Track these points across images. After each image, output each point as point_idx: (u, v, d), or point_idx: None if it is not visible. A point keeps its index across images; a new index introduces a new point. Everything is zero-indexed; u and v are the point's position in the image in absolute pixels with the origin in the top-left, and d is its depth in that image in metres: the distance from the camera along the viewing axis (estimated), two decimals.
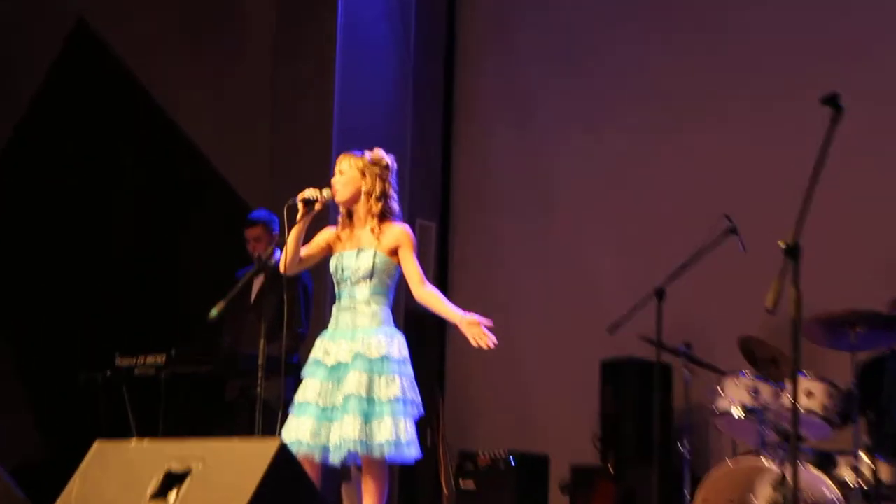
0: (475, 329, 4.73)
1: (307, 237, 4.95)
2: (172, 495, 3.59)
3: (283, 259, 4.93)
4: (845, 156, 6.29)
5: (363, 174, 4.95)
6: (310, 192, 4.90)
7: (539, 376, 7.55)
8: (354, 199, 4.94)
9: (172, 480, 3.61)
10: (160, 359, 5.90)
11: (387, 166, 5.01)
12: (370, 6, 7.61)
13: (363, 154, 5.00)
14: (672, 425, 6.65)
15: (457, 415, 7.68)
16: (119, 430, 5.28)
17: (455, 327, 4.86)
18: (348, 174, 4.95)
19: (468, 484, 6.97)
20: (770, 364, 6.02)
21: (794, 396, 3.81)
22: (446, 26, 8.14)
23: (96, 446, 3.92)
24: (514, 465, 6.91)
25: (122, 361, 5.97)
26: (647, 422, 6.35)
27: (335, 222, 5.01)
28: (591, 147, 7.57)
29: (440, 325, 7.72)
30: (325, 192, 4.92)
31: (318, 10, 7.40)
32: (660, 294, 5.91)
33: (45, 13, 8.85)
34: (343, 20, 7.37)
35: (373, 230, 4.92)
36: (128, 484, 3.69)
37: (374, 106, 7.60)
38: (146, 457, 3.79)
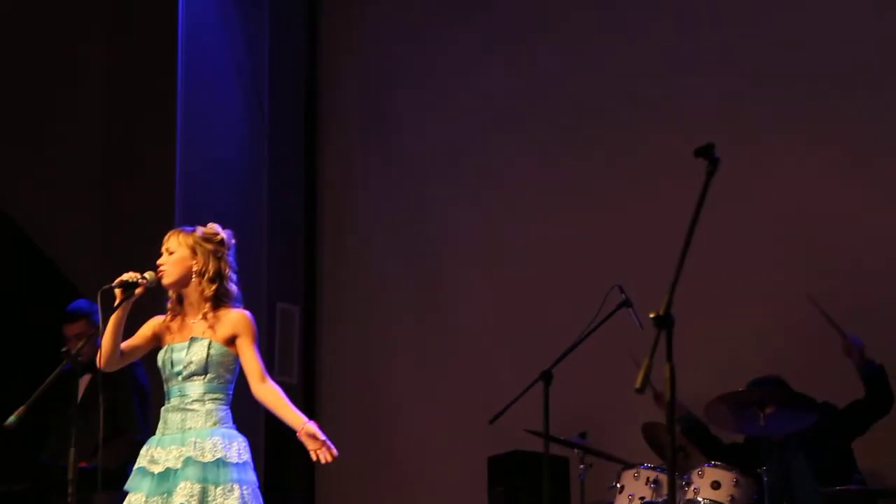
0: (314, 442, 4.66)
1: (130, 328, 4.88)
2: None
3: (100, 353, 4.82)
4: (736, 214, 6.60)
5: (194, 252, 4.89)
6: (128, 276, 4.82)
7: (421, 478, 7.50)
8: (184, 281, 4.86)
9: None
10: None
11: (222, 242, 4.96)
12: (216, 65, 7.61)
13: (194, 230, 4.95)
14: None
15: None
16: None
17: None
18: (177, 253, 4.88)
19: None
20: (677, 453, 6.07)
21: (671, 491, 3.81)
22: (305, 85, 8.17)
23: None
24: None
25: None
26: None
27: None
28: (474, 219, 7.63)
29: None
30: (148, 274, 4.84)
31: (155, 69, 7.38)
32: (546, 378, 5.92)
33: None
34: (184, 80, 7.34)
35: (205, 317, 4.86)
36: None
37: (223, 178, 7.57)
38: None
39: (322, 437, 4.65)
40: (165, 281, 4.85)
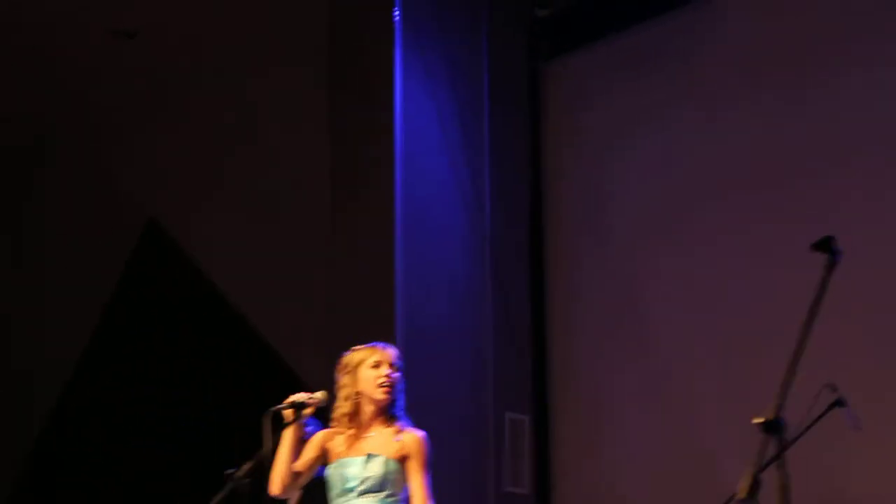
0: None
1: None
2: None
3: (275, 479, 4.98)
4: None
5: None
6: (298, 396, 5.04)
7: None
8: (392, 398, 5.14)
9: None
10: None
11: None
12: (435, 169, 7.87)
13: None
14: None
15: None
16: None
17: None
18: (396, 371, 5.18)
19: None
20: None
21: None
22: (527, 188, 8.31)
23: None
24: None
25: None
26: None
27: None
28: (704, 318, 7.51)
29: None
30: (319, 394, 5.06)
31: (373, 189, 7.72)
32: (755, 487, 5.76)
33: (120, 215, 9.73)
34: (403, 197, 7.62)
35: (382, 433, 5.05)
36: None
37: (445, 284, 7.75)
38: None
39: None
40: (390, 396, 5.10)
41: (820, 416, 5.85)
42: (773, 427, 3.64)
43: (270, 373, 8.61)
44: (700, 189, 7.70)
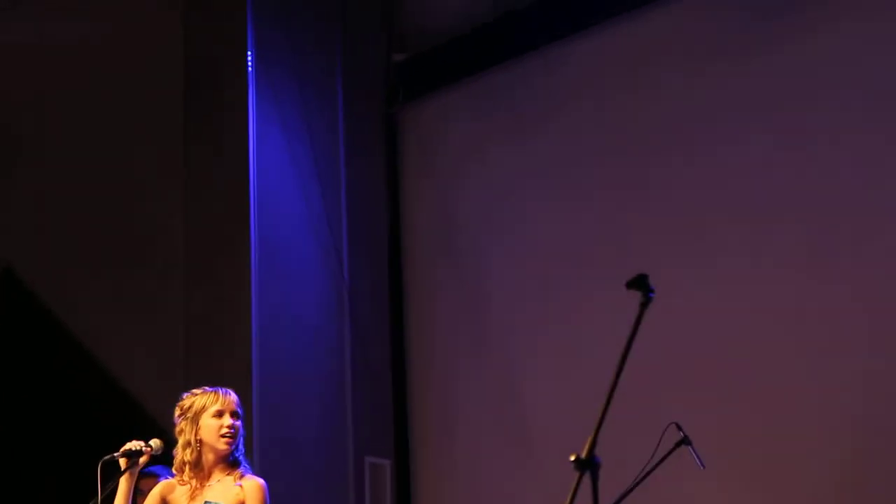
0: None
1: None
2: None
3: None
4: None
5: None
6: (133, 444, 5.03)
7: None
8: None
9: None
10: None
11: None
12: (291, 220, 7.90)
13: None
14: None
15: None
16: None
17: None
18: (238, 421, 5.14)
19: None
20: None
21: None
22: (386, 234, 8.38)
23: None
24: None
25: None
26: None
27: None
28: (564, 364, 7.61)
29: None
30: (154, 442, 5.05)
31: (229, 236, 7.72)
32: None
33: None
34: (258, 237, 7.65)
35: (222, 481, 5.04)
36: None
37: (302, 333, 7.78)
38: None
39: None
40: (231, 446, 5.07)
41: (666, 456, 5.95)
42: (585, 464, 3.68)
43: (131, 421, 8.52)
44: (554, 224, 7.81)
